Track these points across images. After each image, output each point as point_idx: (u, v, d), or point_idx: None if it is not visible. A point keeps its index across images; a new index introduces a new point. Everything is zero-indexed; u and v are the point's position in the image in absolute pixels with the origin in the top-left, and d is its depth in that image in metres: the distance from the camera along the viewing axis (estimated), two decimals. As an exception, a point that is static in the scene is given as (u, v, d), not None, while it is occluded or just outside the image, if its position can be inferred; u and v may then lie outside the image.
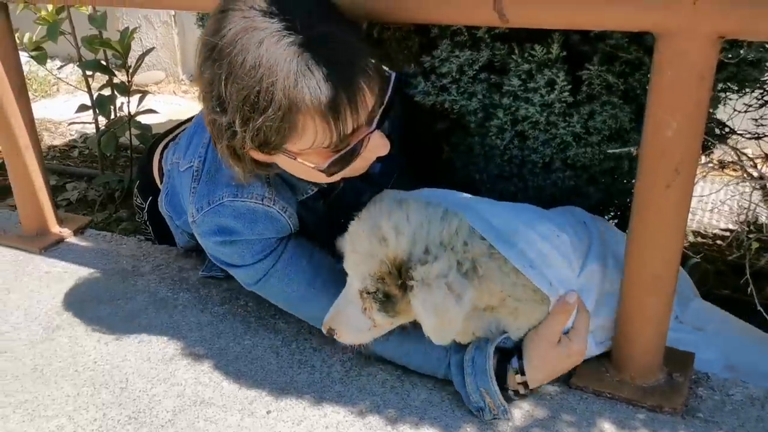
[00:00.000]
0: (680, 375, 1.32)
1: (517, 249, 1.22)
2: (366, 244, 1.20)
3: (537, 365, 1.27)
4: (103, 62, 2.34)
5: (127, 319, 1.60)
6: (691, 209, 1.22)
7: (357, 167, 1.25)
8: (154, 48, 3.24)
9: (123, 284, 1.73)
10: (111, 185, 2.48)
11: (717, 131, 1.55)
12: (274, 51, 1.07)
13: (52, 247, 1.91)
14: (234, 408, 1.32)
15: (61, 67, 2.85)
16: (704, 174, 1.47)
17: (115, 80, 2.35)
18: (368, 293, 1.22)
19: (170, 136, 1.78)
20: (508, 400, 1.28)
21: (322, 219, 1.45)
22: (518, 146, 1.41)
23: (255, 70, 1.07)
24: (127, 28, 2.30)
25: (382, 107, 1.19)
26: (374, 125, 1.18)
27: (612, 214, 1.71)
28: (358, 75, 1.12)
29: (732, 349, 1.44)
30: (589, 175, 1.44)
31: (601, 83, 1.27)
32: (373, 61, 1.17)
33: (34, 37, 2.31)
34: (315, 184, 1.38)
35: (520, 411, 1.28)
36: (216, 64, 1.11)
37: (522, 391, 1.28)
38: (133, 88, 2.38)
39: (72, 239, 1.97)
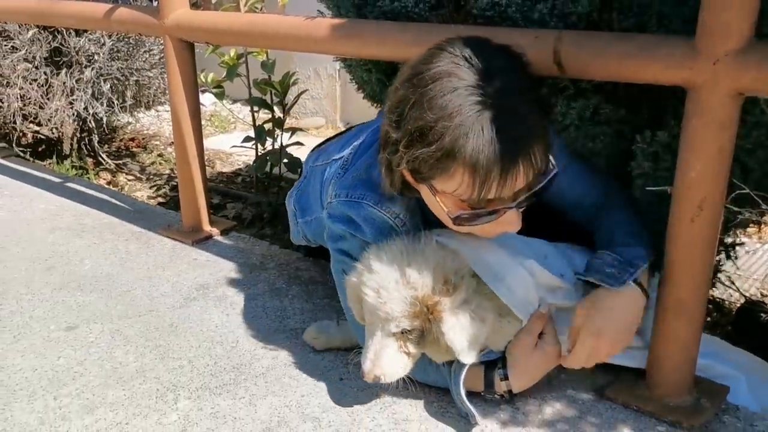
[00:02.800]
0: (708, 401, 1.44)
1: (505, 283, 1.39)
2: (393, 291, 1.33)
3: (518, 371, 1.42)
4: (268, 101, 2.79)
5: (247, 299, 1.95)
6: None
7: (485, 231, 1.34)
8: (307, 90, 3.68)
9: (250, 274, 2.09)
10: (261, 207, 2.91)
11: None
12: (462, 101, 1.19)
13: (202, 241, 2.34)
14: (314, 372, 1.60)
15: (234, 102, 3.37)
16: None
17: (276, 116, 2.80)
18: (404, 332, 1.35)
19: (319, 146, 2.02)
20: (498, 403, 1.47)
21: None
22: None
23: (439, 109, 1.20)
24: (288, 72, 2.75)
25: (530, 192, 1.29)
26: (514, 204, 1.28)
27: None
28: (521, 155, 1.21)
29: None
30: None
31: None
32: (542, 147, 1.25)
33: (215, 77, 2.81)
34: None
35: (552, 409, 1.46)
36: (412, 89, 1.25)
37: (507, 396, 1.44)
38: (291, 126, 2.81)
39: (218, 237, 2.38)
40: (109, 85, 3.53)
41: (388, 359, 1.37)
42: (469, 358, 1.35)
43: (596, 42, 1.37)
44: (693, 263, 1.35)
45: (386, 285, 1.34)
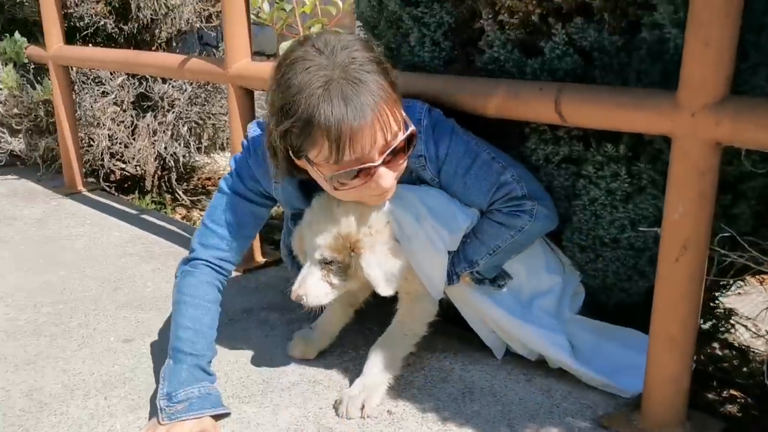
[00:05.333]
0: (699, 434, 1.51)
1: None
2: (322, 224, 1.61)
3: None
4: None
5: (286, 323, 2.12)
6: None
7: (367, 192, 1.54)
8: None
9: (291, 302, 2.27)
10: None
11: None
12: (311, 77, 1.41)
13: (252, 270, 2.55)
14: (334, 389, 1.75)
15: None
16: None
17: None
18: (326, 263, 1.63)
19: None
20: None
21: None
22: (593, 223, 1.71)
23: (294, 87, 1.42)
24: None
25: (391, 149, 1.48)
26: (380, 162, 1.47)
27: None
28: (367, 115, 1.40)
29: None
30: (649, 256, 1.69)
31: (647, 177, 1.56)
32: (390, 109, 1.44)
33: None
34: None
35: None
36: (276, 77, 1.49)
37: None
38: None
39: (268, 268, 2.59)
40: (187, 128, 3.86)
41: (312, 283, 1.65)
42: (387, 290, 1.63)
43: (593, 94, 1.51)
44: (679, 300, 1.44)
45: (318, 220, 1.63)
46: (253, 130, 1.83)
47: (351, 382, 1.76)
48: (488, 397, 1.69)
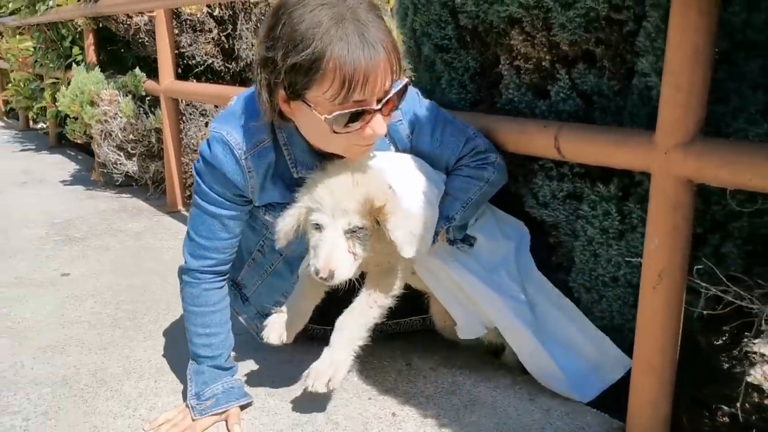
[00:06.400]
0: (678, 460, 1.57)
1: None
2: (346, 190, 1.55)
3: None
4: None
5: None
6: None
7: (359, 137, 1.55)
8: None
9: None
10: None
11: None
12: (324, 15, 1.43)
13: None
14: (347, 390, 1.93)
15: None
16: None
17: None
18: (352, 232, 1.56)
19: None
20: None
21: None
22: (593, 262, 1.82)
23: (306, 23, 1.43)
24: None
25: (389, 96, 1.52)
26: (379, 107, 1.51)
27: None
28: (380, 57, 1.45)
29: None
30: (648, 291, 1.77)
31: (637, 217, 1.66)
32: (396, 56, 1.50)
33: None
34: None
35: (534, 446, 1.66)
36: (282, 16, 1.48)
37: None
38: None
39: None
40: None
41: (340, 256, 1.55)
42: (411, 251, 1.58)
43: (586, 132, 1.65)
44: (657, 327, 1.53)
45: (340, 186, 1.57)
46: (215, 126, 1.75)
47: (360, 388, 1.94)
48: (488, 410, 1.82)
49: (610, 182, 1.69)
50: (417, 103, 1.82)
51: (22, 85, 6.35)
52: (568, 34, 1.68)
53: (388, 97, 1.53)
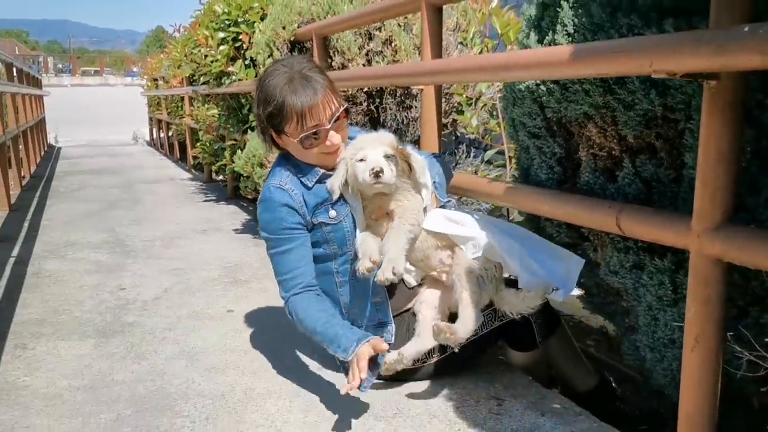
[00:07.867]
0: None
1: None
2: (377, 137, 2.37)
3: None
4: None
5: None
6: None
7: (324, 155, 2.38)
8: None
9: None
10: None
11: None
12: (280, 79, 2.32)
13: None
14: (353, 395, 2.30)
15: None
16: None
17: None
18: (387, 157, 2.26)
19: None
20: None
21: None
22: (654, 325, 2.07)
23: (271, 86, 2.33)
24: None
25: (335, 118, 2.34)
26: (330, 125, 2.33)
27: None
28: (319, 98, 2.29)
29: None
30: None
31: (685, 287, 1.90)
32: (331, 93, 2.34)
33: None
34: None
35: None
36: (259, 85, 2.38)
37: None
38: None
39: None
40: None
41: (383, 162, 2.25)
42: (424, 178, 2.39)
43: (641, 214, 1.93)
44: (696, 384, 1.77)
45: (372, 137, 2.38)
46: (274, 173, 2.48)
47: (368, 393, 2.31)
48: (498, 416, 2.16)
49: (665, 257, 1.96)
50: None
51: (208, 145, 7.38)
52: (630, 130, 1.99)
53: (335, 117, 2.34)
